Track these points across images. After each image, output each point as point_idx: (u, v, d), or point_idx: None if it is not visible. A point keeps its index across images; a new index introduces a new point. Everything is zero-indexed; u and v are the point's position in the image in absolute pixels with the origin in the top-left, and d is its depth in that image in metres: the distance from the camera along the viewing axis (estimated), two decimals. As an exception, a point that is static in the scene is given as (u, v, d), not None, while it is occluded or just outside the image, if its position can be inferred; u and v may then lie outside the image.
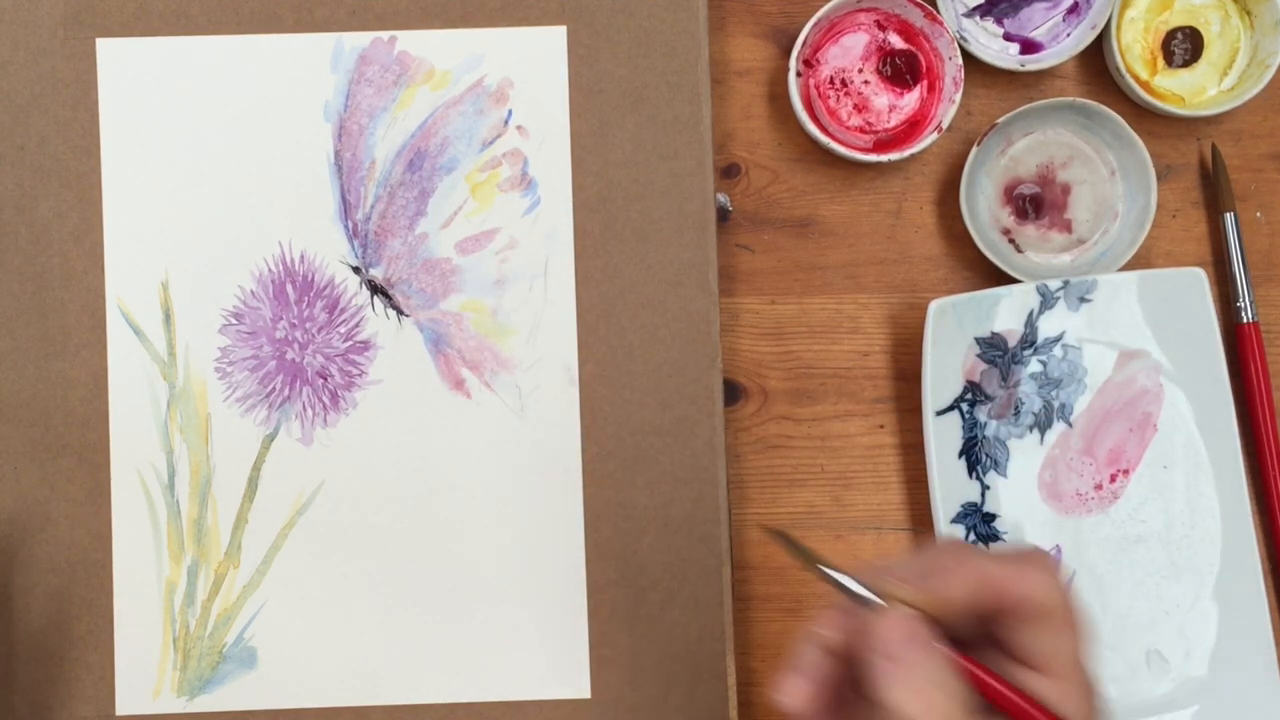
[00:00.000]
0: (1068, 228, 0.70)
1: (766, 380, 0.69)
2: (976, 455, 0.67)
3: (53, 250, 0.66)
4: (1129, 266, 0.68)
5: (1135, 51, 0.70)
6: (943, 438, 0.67)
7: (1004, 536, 0.67)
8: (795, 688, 0.47)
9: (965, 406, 0.67)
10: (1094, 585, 0.68)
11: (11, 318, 0.65)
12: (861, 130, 0.69)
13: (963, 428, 0.67)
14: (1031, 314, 0.67)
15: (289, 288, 0.66)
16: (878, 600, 0.45)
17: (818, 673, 0.47)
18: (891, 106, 0.69)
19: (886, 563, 0.48)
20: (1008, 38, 0.70)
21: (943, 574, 0.45)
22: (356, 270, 0.66)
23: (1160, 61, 0.70)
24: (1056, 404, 0.68)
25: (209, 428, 0.66)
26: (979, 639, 0.46)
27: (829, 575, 0.46)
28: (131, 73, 0.66)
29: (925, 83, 0.69)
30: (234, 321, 0.66)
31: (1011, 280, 0.68)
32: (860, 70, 0.69)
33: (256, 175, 0.66)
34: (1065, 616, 0.45)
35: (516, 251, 0.66)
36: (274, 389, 0.66)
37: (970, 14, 0.70)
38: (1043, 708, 0.45)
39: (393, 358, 0.66)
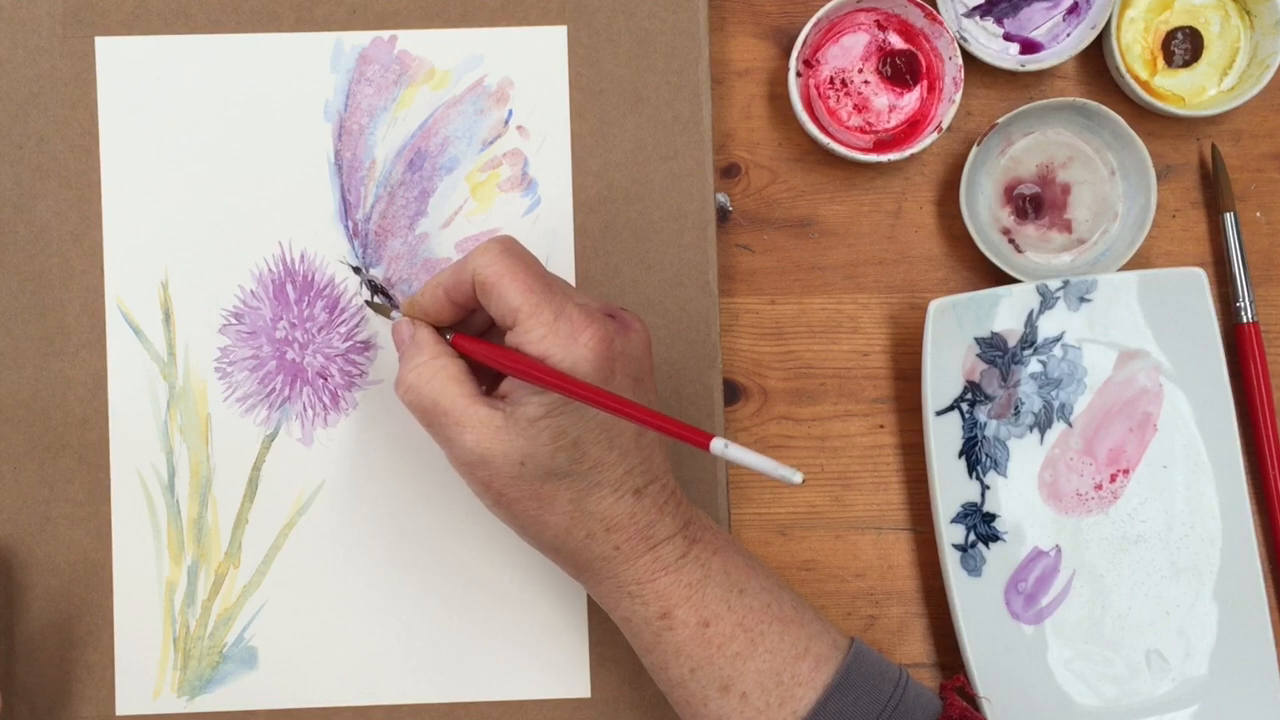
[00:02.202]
0: (1068, 228, 0.70)
1: (766, 380, 0.69)
2: (976, 455, 0.67)
3: (52, 250, 0.66)
4: (1129, 266, 0.68)
5: (1135, 51, 0.70)
6: (943, 438, 0.67)
7: (1004, 536, 0.67)
8: None
9: (965, 406, 0.67)
10: (1094, 585, 0.68)
11: (11, 318, 0.65)
12: (861, 130, 0.69)
13: (963, 428, 0.67)
14: (1031, 314, 0.67)
15: (289, 288, 0.66)
16: (396, 315, 0.60)
17: None
18: (891, 106, 0.69)
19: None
20: (1008, 38, 0.70)
21: (423, 287, 0.58)
22: (357, 270, 0.66)
23: (1160, 61, 0.70)
24: (1056, 404, 0.68)
25: (209, 428, 0.66)
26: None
27: (371, 303, 0.65)
28: (131, 71, 0.66)
29: (925, 83, 0.69)
30: (234, 321, 0.66)
31: (1011, 280, 0.68)
32: (860, 70, 0.69)
33: (256, 175, 0.66)
34: (499, 279, 0.54)
35: (517, 251, 0.66)
36: (274, 389, 0.66)
37: (970, 14, 0.70)
38: (505, 350, 0.55)
39: (393, 358, 0.66)
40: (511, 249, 0.56)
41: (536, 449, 0.54)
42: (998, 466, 0.68)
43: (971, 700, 0.64)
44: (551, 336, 0.54)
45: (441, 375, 0.56)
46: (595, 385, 0.53)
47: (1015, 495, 0.68)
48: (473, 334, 0.59)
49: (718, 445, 0.50)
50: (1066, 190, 0.69)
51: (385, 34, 0.66)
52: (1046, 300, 0.67)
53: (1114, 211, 0.69)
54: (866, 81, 0.69)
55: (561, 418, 0.54)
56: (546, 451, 0.54)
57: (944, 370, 0.67)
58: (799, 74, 0.68)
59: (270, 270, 0.66)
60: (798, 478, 0.49)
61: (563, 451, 0.54)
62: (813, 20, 0.67)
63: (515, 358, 0.54)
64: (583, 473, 0.55)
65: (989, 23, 0.70)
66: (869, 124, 0.69)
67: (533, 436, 0.54)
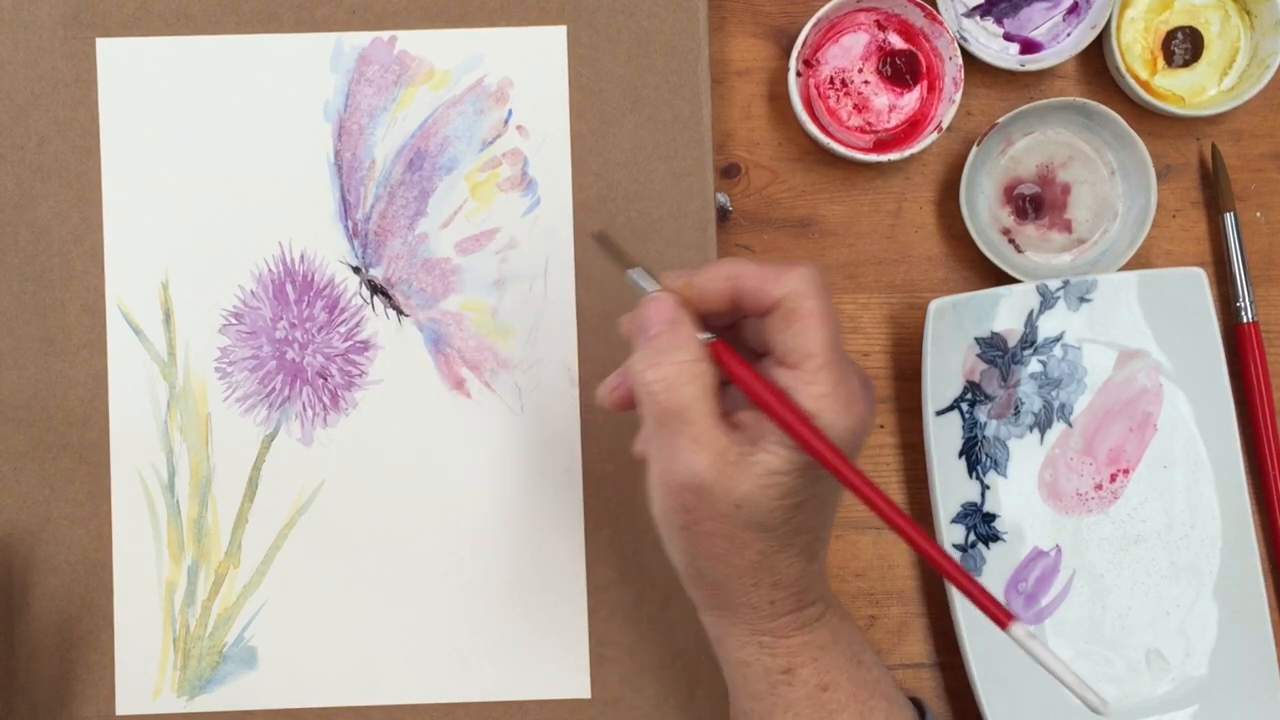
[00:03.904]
0: (1068, 228, 0.70)
1: (766, 380, 0.69)
2: (976, 455, 0.67)
3: (53, 250, 0.66)
4: (1129, 266, 0.68)
5: (1135, 51, 0.70)
6: (943, 438, 0.67)
7: (1004, 536, 0.67)
8: (608, 385, 0.55)
9: (965, 406, 0.67)
10: (1094, 585, 0.68)
11: (11, 318, 0.65)
12: (861, 130, 0.69)
13: (963, 427, 0.67)
14: (1031, 314, 0.67)
15: (289, 288, 0.66)
16: (656, 289, 0.53)
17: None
18: (891, 106, 0.69)
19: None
20: (1008, 38, 0.70)
21: (706, 270, 0.52)
22: (356, 270, 0.66)
23: (1160, 61, 0.70)
24: (1056, 404, 0.68)
25: (209, 428, 0.66)
26: (761, 351, 0.53)
27: (627, 275, 0.54)
28: (131, 73, 0.66)
29: (925, 83, 0.69)
30: (234, 321, 0.66)
31: (1011, 280, 0.68)
32: (860, 70, 0.69)
33: (256, 175, 0.66)
34: (813, 316, 0.50)
35: (516, 251, 0.66)
36: (274, 389, 0.66)
37: (970, 14, 0.70)
38: (775, 390, 0.50)
39: (393, 358, 0.66)
40: (827, 288, 0.51)
41: (760, 499, 0.50)
42: (998, 466, 0.68)
43: None
44: (831, 398, 0.50)
45: (699, 384, 0.51)
46: (856, 468, 0.50)
47: (1015, 495, 0.68)
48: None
49: (1018, 632, 0.48)
50: (1066, 190, 0.69)
51: (385, 34, 0.66)
52: (1046, 300, 0.67)
53: (1114, 211, 0.69)
54: (866, 81, 0.69)
55: (798, 479, 0.50)
56: (769, 506, 0.50)
57: (944, 370, 0.67)
58: (799, 74, 0.68)
59: (270, 270, 0.66)
60: (1106, 710, 0.47)
61: (783, 511, 0.51)
62: (813, 20, 0.67)
63: (784, 404, 0.50)
64: (786, 533, 0.52)
65: (989, 23, 0.70)
66: (869, 124, 0.69)
67: (763, 487, 0.50)
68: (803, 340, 0.50)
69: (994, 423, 0.68)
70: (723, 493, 0.50)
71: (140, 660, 0.65)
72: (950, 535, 0.66)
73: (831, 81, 0.69)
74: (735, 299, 0.52)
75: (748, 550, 0.52)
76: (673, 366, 0.51)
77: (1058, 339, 0.68)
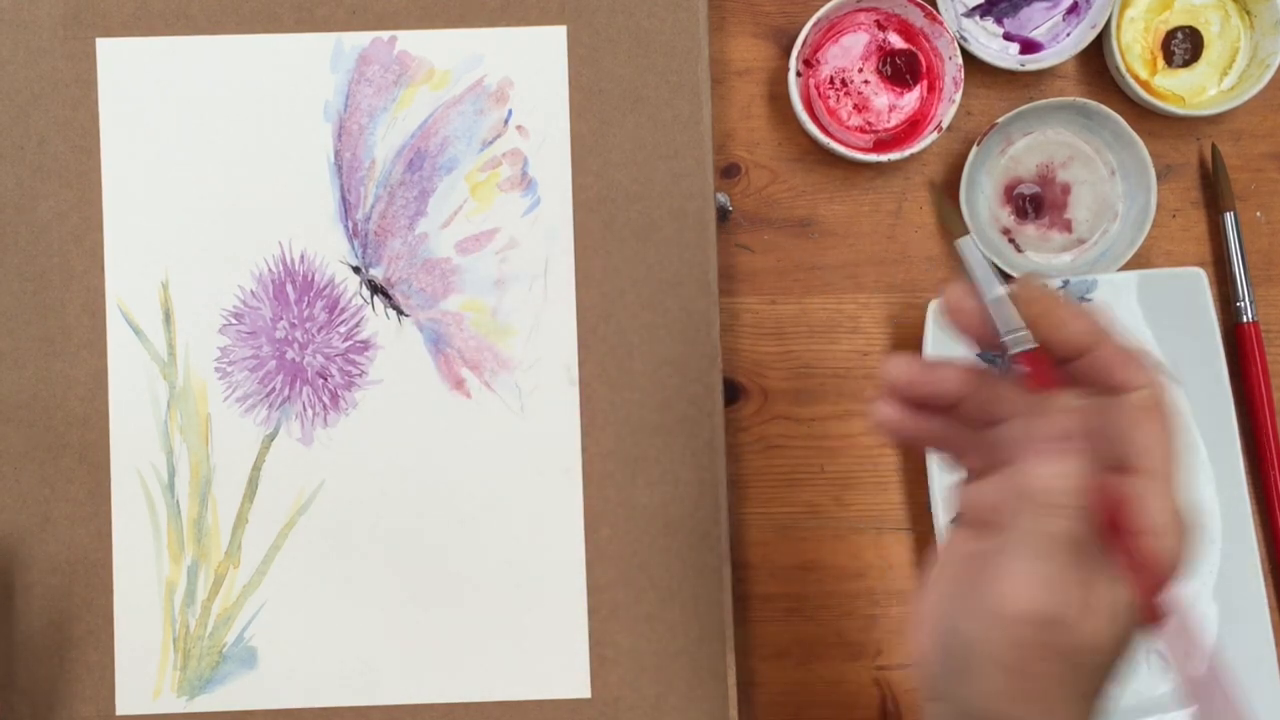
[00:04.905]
0: (1068, 227, 0.70)
1: (766, 380, 0.69)
2: (976, 455, 0.67)
3: (53, 250, 0.66)
4: (1129, 266, 0.68)
5: (1135, 51, 0.70)
6: (943, 438, 0.67)
7: (1004, 536, 0.67)
8: (902, 364, 0.48)
9: (965, 406, 0.67)
10: (1094, 585, 0.68)
11: (11, 318, 0.66)
12: (861, 130, 0.69)
13: (963, 428, 0.67)
14: (1031, 314, 0.67)
15: (289, 288, 0.66)
16: (1000, 290, 0.47)
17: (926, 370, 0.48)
18: (891, 106, 0.69)
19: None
20: (1008, 37, 0.70)
21: (1068, 307, 0.46)
22: (356, 270, 0.66)
23: (1160, 61, 0.70)
24: (1056, 404, 0.68)
25: (209, 428, 0.66)
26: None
27: (962, 245, 0.48)
28: (131, 72, 0.66)
29: (925, 82, 0.69)
30: (234, 321, 0.66)
31: (1012, 280, 0.67)
32: (860, 70, 0.69)
33: (256, 175, 0.66)
34: (1168, 422, 0.45)
35: (516, 251, 0.66)
36: (274, 389, 0.66)
37: (970, 14, 0.70)
38: (1138, 549, 0.44)
39: (393, 358, 0.66)
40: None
41: (1105, 635, 0.45)
42: (998, 466, 0.68)
43: None
44: (1175, 516, 0.46)
45: (1062, 514, 0.44)
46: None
47: (1015, 495, 0.68)
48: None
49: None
50: (1066, 190, 0.69)
51: (385, 34, 0.66)
52: (1046, 300, 0.67)
53: (1114, 211, 0.69)
54: (866, 81, 0.69)
55: (1133, 614, 0.46)
56: (1109, 645, 0.45)
57: (944, 370, 0.67)
58: (799, 74, 0.68)
59: (270, 270, 0.66)
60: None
61: (1113, 654, 0.46)
62: (813, 20, 0.67)
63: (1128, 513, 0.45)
64: (1103, 691, 0.47)
65: (989, 22, 0.70)
66: (869, 124, 0.69)
67: (1109, 622, 0.45)
68: (1156, 443, 0.45)
69: (994, 423, 0.68)
70: (1073, 626, 0.44)
71: (140, 660, 0.65)
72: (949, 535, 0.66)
73: (831, 81, 0.69)
74: (1080, 356, 0.46)
75: (1074, 707, 0.45)
76: (1054, 486, 0.44)
77: (1058, 339, 0.68)
